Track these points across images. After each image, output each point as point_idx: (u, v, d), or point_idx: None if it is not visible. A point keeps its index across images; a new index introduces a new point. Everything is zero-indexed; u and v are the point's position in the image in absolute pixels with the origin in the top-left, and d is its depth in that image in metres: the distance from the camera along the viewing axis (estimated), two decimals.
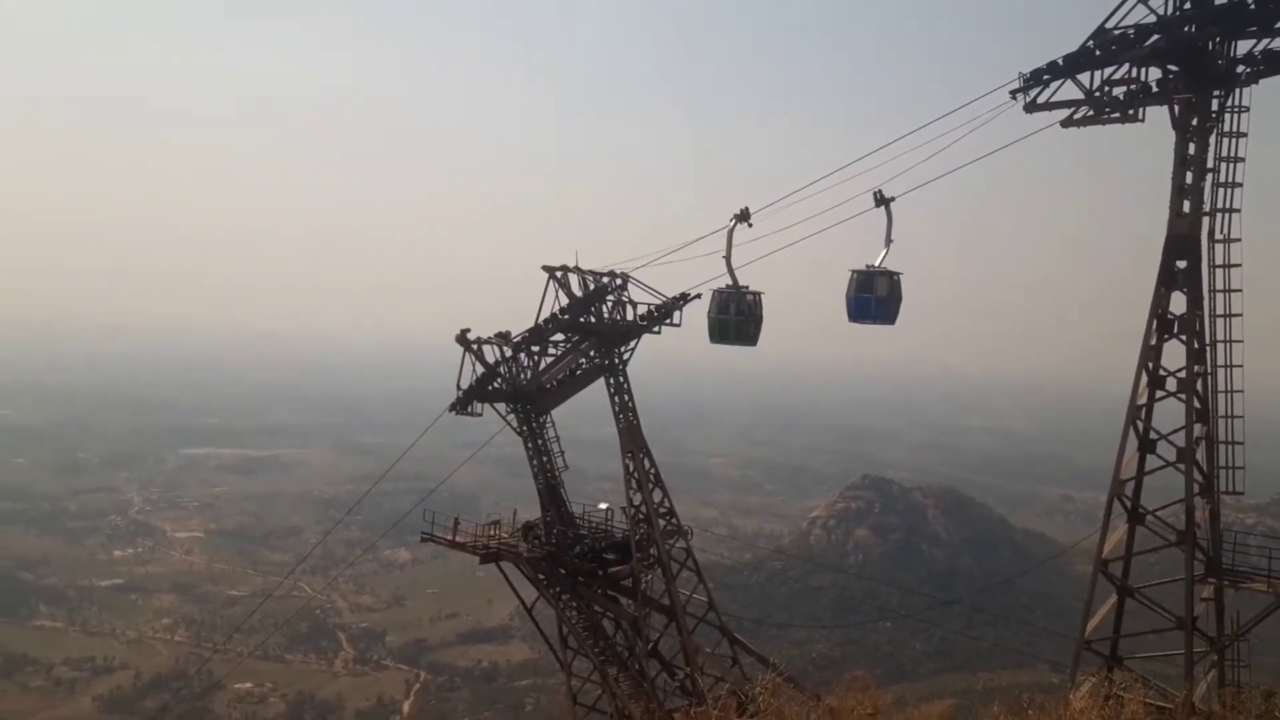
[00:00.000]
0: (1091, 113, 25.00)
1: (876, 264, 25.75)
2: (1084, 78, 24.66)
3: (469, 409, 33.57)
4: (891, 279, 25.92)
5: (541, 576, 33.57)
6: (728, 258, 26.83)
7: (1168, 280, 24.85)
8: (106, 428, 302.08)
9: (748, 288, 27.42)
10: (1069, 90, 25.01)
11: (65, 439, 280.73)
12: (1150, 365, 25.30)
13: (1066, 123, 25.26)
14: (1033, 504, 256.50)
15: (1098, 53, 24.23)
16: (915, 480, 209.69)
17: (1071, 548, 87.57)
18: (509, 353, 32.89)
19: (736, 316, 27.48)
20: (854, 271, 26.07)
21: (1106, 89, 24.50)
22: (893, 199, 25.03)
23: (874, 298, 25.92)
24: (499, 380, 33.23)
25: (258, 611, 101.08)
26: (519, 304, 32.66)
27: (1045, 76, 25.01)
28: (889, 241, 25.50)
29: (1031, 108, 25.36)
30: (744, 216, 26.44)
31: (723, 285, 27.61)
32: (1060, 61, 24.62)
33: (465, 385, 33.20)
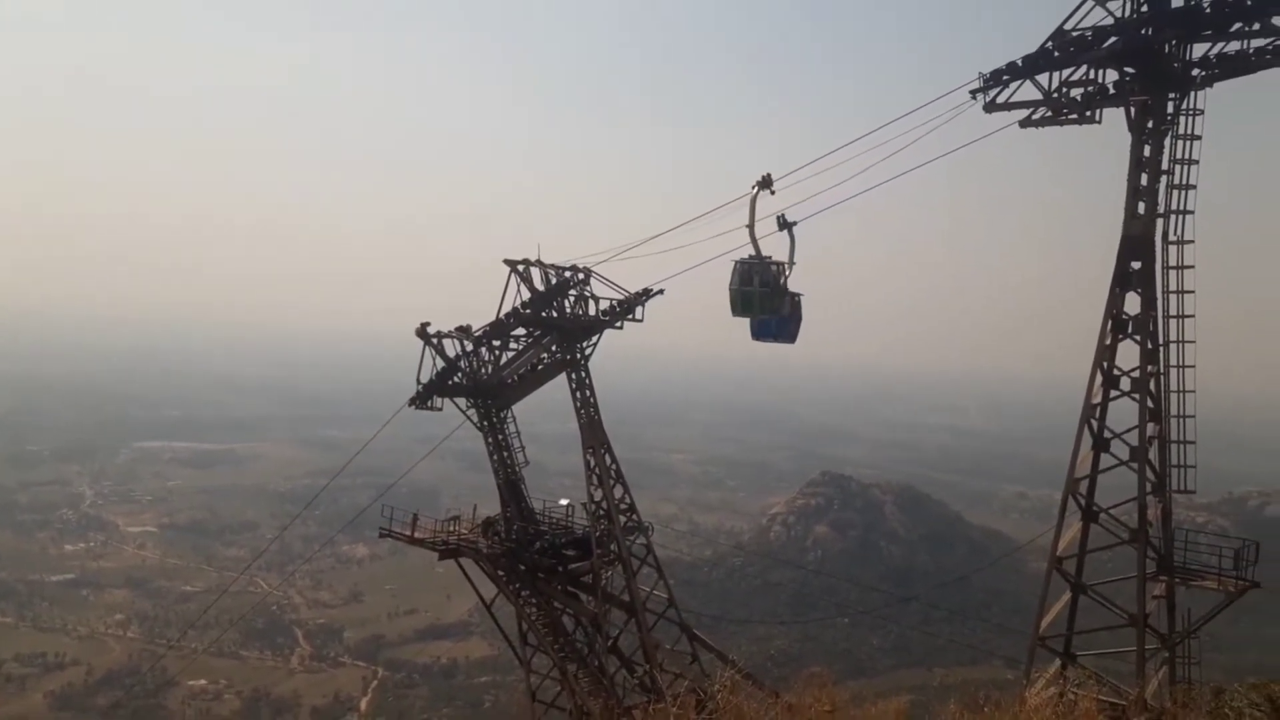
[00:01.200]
0: (1049, 113, 25.13)
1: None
2: (1043, 79, 24.75)
3: (429, 403, 33.19)
4: (793, 299, 26.24)
5: (501, 573, 33.32)
6: (750, 227, 25.77)
7: (1122, 281, 25.07)
8: (62, 419, 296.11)
9: (770, 257, 26.29)
10: (1028, 91, 25.15)
11: (18, 430, 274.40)
12: (1105, 365, 25.51)
13: (1025, 123, 25.37)
14: (989, 501, 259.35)
15: (1056, 54, 24.31)
16: (874, 477, 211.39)
17: (1026, 545, 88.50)
18: (470, 347, 32.55)
19: (761, 288, 26.32)
20: None
21: (1064, 90, 24.64)
22: (795, 223, 25.25)
23: (775, 318, 26.29)
24: (459, 375, 32.88)
25: (212, 607, 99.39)
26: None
27: (1005, 77, 25.06)
28: (791, 264, 25.77)
29: (991, 108, 25.42)
30: (766, 183, 25.34)
31: (745, 256, 26.46)
32: (1019, 62, 24.69)
33: (425, 379, 32.89)
